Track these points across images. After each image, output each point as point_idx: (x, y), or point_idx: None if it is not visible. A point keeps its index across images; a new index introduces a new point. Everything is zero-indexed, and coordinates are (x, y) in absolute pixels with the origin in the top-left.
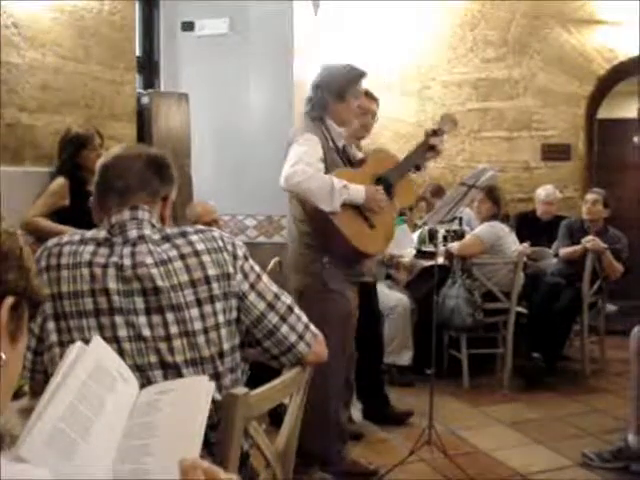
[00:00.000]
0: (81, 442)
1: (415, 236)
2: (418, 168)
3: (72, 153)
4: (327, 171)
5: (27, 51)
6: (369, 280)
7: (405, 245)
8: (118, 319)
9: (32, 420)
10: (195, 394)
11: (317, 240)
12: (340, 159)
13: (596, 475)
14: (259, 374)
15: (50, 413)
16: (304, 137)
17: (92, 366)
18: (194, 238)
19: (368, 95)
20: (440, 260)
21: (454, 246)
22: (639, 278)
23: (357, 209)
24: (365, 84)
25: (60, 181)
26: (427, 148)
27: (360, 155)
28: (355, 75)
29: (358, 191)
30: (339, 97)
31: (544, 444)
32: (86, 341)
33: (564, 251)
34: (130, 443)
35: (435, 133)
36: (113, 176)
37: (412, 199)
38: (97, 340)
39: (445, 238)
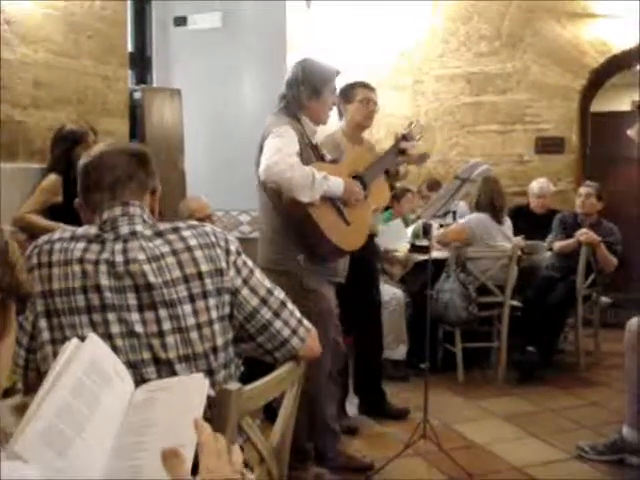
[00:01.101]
0: (76, 439)
1: (409, 231)
2: (387, 172)
3: (66, 150)
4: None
5: (19, 47)
6: (341, 281)
7: (399, 240)
8: (110, 316)
9: (27, 417)
10: (190, 391)
11: (291, 236)
12: (314, 156)
13: (591, 468)
14: (253, 369)
15: (45, 409)
16: (281, 129)
17: (87, 363)
18: (186, 234)
19: (366, 86)
20: (434, 254)
21: (439, 232)
22: (633, 271)
23: (333, 205)
24: (358, 79)
25: (52, 178)
26: (398, 152)
27: (329, 156)
28: (331, 72)
29: (338, 183)
30: (316, 94)
31: (539, 437)
32: (80, 338)
33: (558, 244)
34: (125, 440)
35: (405, 138)
36: (102, 172)
37: (386, 199)
38: (92, 337)
39: None
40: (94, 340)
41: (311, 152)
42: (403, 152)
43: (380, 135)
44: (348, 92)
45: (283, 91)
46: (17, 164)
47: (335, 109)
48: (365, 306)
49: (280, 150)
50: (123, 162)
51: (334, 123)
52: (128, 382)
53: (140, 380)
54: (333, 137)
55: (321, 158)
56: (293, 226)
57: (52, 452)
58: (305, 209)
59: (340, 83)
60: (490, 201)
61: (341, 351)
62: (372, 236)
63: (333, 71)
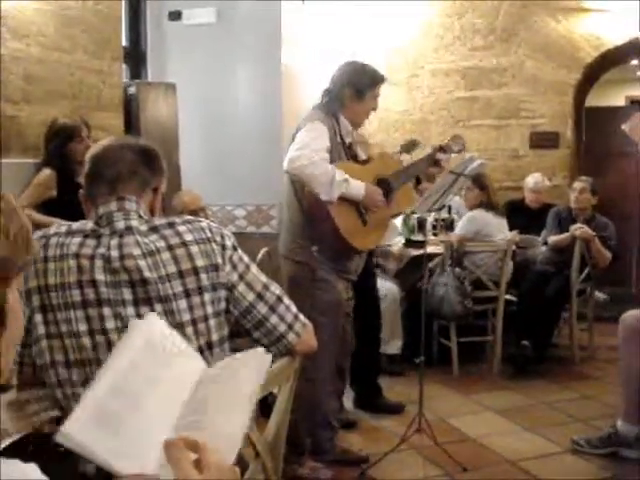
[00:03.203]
0: (130, 418)
1: (398, 223)
2: (418, 181)
3: (59, 144)
4: (331, 163)
5: (10, 42)
6: (353, 279)
7: (392, 235)
8: (106, 311)
9: (81, 399)
10: (249, 367)
11: (309, 229)
12: (345, 155)
13: (585, 461)
14: None
15: (97, 389)
16: (314, 125)
17: (142, 342)
18: (182, 229)
19: None
20: (430, 249)
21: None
22: (627, 265)
23: (354, 204)
24: None
25: (46, 172)
26: (432, 162)
27: (363, 155)
28: (378, 77)
29: (358, 187)
30: (359, 96)
31: (533, 431)
32: (139, 316)
33: (553, 239)
34: (185, 419)
35: (442, 149)
36: (104, 165)
37: (409, 205)
38: (151, 316)
39: (434, 227)
40: (152, 319)
41: (342, 151)
42: (437, 163)
43: (373, 128)
44: None
45: (328, 86)
46: (11, 159)
47: None
48: (363, 301)
49: (307, 145)
50: (127, 157)
51: None
52: (196, 360)
53: None
54: None
55: (353, 157)
56: (310, 219)
57: (104, 431)
58: (324, 204)
59: None
60: (493, 196)
61: (348, 342)
62: None
63: (379, 77)
